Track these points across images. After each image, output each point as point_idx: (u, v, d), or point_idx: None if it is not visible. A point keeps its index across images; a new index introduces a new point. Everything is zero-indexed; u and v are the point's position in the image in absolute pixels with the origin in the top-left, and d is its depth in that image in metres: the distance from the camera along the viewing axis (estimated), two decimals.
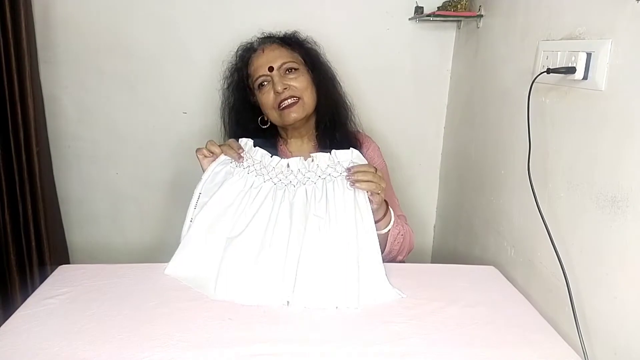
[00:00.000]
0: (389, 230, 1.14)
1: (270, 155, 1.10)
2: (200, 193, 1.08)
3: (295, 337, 0.86)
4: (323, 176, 1.05)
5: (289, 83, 1.19)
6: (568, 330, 0.93)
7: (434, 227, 1.88)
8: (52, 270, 1.08)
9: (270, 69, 1.19)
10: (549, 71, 0.99)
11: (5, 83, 1.43)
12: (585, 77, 0.93)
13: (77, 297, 0.96)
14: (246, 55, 1.26)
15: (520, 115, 1.13)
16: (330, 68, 1.32)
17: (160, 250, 1.77)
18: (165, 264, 1.11)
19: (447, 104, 1.74)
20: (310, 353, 0.82)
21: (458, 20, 1.61)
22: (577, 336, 0.87)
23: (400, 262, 1.23)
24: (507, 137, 1.27)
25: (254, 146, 1.12)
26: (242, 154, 1.09)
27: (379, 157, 1.34)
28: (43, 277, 1.05)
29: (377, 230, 1.06)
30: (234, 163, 1.09)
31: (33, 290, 0.99)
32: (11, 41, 1.40)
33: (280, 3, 1.58)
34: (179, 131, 1.69)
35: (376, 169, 1.05)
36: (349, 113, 1.33)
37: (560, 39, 1.02)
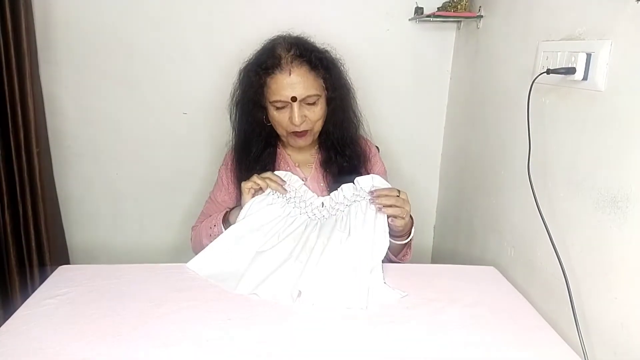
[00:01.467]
0: (408, 241, 1.19)
1: (312, 192, 1.18)
2: (243, 219, 1.12)
3: (295, 337, 0.86)
4: (349, 203, 1.12)
5: (305, 114, 1.17)
6: (568, 330, 0.93)
7: (434, 227, 1.88)
8: (52, 271, 1.08)
9: (294, 99, 1.15)
10: (548, 72, 0.99)
11: (5, 83, 1.43)
12: (585, 78, 0.93)
13: (77, 297, 0.96)
14: (271, 67, 1.16)
15: (520, 116, 1.13)
16: (349, 86, 1.28)
17: (160, 250, 1.78)
18: (165, 264, 1.11)
19: (447, 104, 1.74)
20: (310, 353, 0.82)
21: (458, 21, 1.61)
22: (577, 336, 0.87)
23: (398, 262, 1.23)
24: (507, 137, 1.27)
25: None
26: (285, 187, 1.14)
27: (379, 161, 1.35)
28: (43, 278, 1.05)
29: (398, 240, 1.15)
30: (276, 194, 1.14)
31: (33, 291, 0.99)
32: (11, 41, 1.40)
33: (280, 3, 1.58)
34: (179, 131, 1.69)
35: (399, 191, 1.08)
36: (358, 127, 1.31)
37: (560, 40, 1.02)
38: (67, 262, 1.72)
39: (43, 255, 1.60)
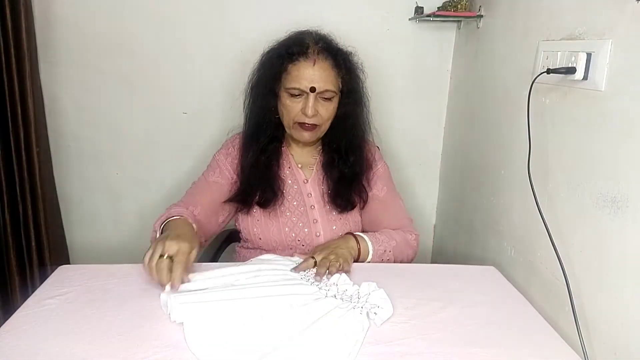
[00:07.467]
0: (369, 260, 1.18)
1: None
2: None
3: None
4: (333, 295, 0.97)
5: (318, 109, 1.17)
6: (568, 330, 0.93)
7: (434, 227, 1.88)
8: (52, 271, 1.08)
9: (312, 89, 1.14)
10: (549, 71, 0.99)
11: (6, 83, 1.43)
12: (585, 78, 0.93)
13: (77, 297, 0.96)
14: (296, 53, 1.16)
15: (520, 115, 1.13)
16: (364, 97, 1.28)
17: None
18: None
19: (447, 104, 1.74)
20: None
21: (458, 21, 1.61)
22: (577, 336, 0.87)
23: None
24: (507, 137, 1.27)
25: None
26: (184, 280, 0.95)
27: (382, 162, 1.34)
28: (43, 277, 1.05)
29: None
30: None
31: (33, 291, 0.99)
32: (11, 41, 1.40)
33: (280, 3, 1.58)
34: (179, 131, 1.69)
35: (315, 254, 1.09)
36: (365, 136, 1.30)
37: (560, 39, 1.02)
38: (67, 262, 1.72)
39: (43, 255, 1.60)
